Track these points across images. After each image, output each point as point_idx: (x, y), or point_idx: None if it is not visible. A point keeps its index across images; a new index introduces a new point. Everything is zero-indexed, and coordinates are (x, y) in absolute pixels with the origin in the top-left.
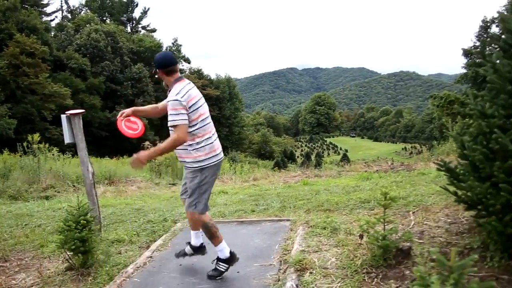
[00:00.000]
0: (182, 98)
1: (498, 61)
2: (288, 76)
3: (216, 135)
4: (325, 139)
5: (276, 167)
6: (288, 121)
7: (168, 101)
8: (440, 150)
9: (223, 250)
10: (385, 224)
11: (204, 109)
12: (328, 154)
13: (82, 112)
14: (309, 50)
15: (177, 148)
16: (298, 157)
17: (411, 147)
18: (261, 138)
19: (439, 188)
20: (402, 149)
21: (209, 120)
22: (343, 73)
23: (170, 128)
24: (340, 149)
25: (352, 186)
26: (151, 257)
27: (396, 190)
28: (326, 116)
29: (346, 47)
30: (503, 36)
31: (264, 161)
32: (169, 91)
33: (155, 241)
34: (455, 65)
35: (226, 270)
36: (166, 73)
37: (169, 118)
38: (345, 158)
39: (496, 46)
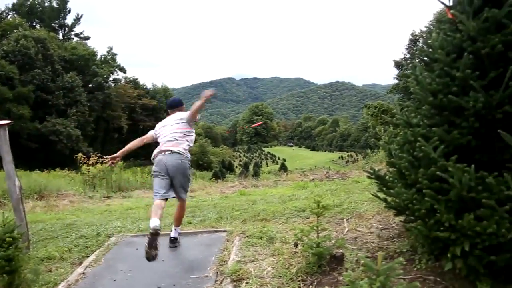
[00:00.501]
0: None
1: (420, 74)
2: (226, 86)
3: (165, 142)
4: (263, 149)
5: (214, 178)
6: (226, 131)
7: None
8: (374, 158)
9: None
10: (319, 231)
11: (163, 129)
12: (267, 164)
13: (9, 123)
14: (247, 60)
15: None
16: (236, 167)
17: (348, 155)
18: (199, 148)
19: (371, 195)
20: (339, 157)
21: (164, 134)
22: (280, 83)
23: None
24: (278, 158)
25: (288, 195)
26: (83, 273)
27: (331, 198)
28: (263, 126)
29: (283, 58)
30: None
31: (202, 172)
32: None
33: (88, 256)
34: (388, 76)
35: (149, 240)
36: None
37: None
38: (283, 168)
39: (419, 59)
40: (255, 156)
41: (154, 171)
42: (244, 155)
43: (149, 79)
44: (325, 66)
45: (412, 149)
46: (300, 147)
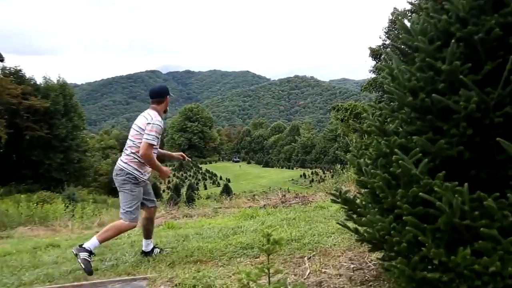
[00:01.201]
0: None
1: (397, 67)
2: (149, 81)
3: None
4: (200, 166)
5: None
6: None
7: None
8: (345, 177)
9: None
10: (271, 275)
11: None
12: (205, 186)
13: None
14: (177, 49)
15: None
16: (163, 191)
17: (312, 173)
18: (112, 166)
19: (339, 225)
20: (300, 176)
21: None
22: (222, 78)
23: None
24: (220, 178)
25: (231, 228)
26: None
27: (287, 230)
28: (200, 136)
29: (225, 46)
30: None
31: (117, 198)
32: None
33: None
34: (363, 69)
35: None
36: None
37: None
38: (226, 191)
39: (395, 48)
40: (189, 175)
41: None
42: (174, 175)
43: (40, 72)
44: (280, 57)
45: (388, 163)
46: (249, 162)
